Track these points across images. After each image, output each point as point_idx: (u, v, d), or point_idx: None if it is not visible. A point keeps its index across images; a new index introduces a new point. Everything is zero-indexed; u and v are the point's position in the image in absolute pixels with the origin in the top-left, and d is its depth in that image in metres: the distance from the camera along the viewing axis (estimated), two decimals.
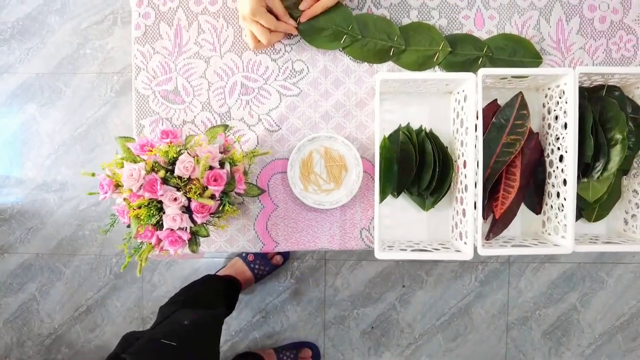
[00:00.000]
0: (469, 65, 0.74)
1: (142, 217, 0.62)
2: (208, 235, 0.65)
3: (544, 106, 0.74)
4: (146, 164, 0.62)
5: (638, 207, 0.71)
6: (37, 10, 1.51)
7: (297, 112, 0.76)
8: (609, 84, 0.71)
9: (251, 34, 0.72)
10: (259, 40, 0.72)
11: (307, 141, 0.73)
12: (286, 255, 1.46)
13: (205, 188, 0.63)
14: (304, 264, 1.50)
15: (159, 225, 0.64)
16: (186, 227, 0.63)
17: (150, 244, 0.64)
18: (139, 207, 0.62)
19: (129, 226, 0.65)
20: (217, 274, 1.41)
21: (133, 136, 0.78)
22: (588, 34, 0.75)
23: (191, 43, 0.77)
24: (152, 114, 0.78)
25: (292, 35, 0.76)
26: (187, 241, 0.64)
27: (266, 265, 1.43)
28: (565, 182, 0.66)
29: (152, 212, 0.62)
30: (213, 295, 1.19)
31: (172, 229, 0.62)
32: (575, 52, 0.75)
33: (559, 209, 0.68)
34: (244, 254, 1.42)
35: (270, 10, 0.70)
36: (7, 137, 1.51)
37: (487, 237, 0.73)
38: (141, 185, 0.62)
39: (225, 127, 0.69)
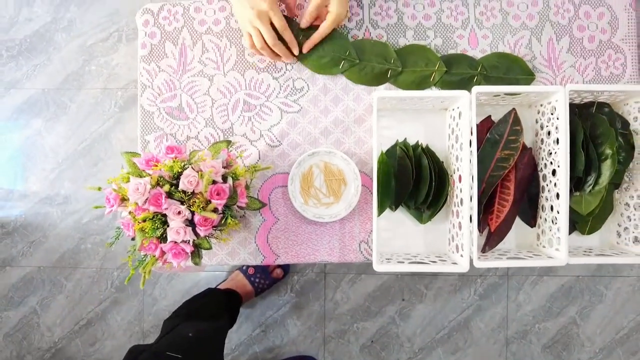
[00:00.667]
0: (465, 84, 0.77)
1: (146, 230, 0.64)
2: (210, 248, 0.67)
3: (536, 122, 0.76)
4: (151, 178, 0.64)
5: (630, 220, 0.72)
6: (44, 28, 1.56)
7: (298, 128, 0.79)
8: (598, 100, 0.74)
9: (250, 36, 0.75)
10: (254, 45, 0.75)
11: (307, 156, 0.75)
12: (286, 269, 1.47)
13: (208, 202, 0.64)
14: (304, 278, 1.51)
15: (162, 238, 0.66)
16: (189, 240, 0.65)
17: (154, 256, 0.65)
18: (144, 221, 0.64)
19: (133, 239, 0.67)
20: (218, 287, 1.41)
21: (138, 151, 0.80)
22: (578, 52, 0.78)
23: (195, 62, 0.80)
24: (157, 129, 0.80)
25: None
26: (190, 254, 0.66)
27: (266, 279, 1.43)
28: (558, 195, 0.68)
29: (156, 225, 0.63)
30: (215, 308, 1.20)
31: (175, 242, 0.64)
32: (566, 70, 0.78)
33: (552, 222, 0.70)
34: (244, 268, 1.43)
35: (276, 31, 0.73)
36: (13, 151, 1.54)
37: (483, 250, 0.74)
38: (146, 199, 0.64)
39: (228, 142, 0.71)
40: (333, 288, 1.50)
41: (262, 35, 0.72)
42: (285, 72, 0.80)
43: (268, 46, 0.73)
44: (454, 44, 0.79)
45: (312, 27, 0.76)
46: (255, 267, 1.42)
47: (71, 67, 1.55)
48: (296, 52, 0.76)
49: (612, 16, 0.78)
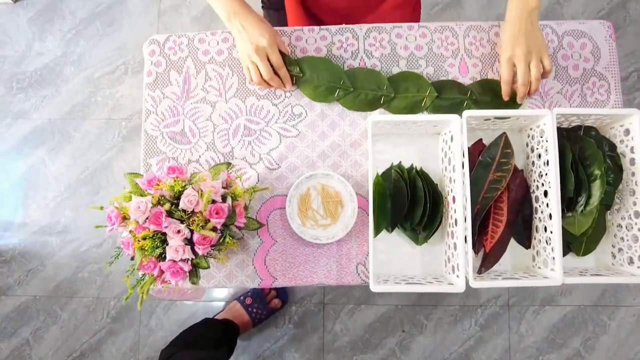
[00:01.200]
0: (455, 108, 0.80)
1: (146, 249, 0.65)
2: (208, 267, 0.68)
3: (527, 145, 0.79)
4: (153, 197, 0.65)
5: (623, 241, 0.73)
6: (54, 62, 1.62)
7: (296, 151, 0.81)
8: (585, 124, 0.77)
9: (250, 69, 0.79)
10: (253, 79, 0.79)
11: (305, 178, 0.77)
12: (284, 299, 1.45)
13: (207, 221, 0.66)
14: (302, 309, 1.49)
15: (161, 258, 0.66)
16: (188, 259, 0.66)
17: (153, 275, 0.66)
18: (144, 239, 0.65)
19: (132, 259, 0.68)
20: (215, 317, 1.40)
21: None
22: (564, 79, 0.82)
23: (198, 89, 0.84)
24: (159, 153, 0.82)
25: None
26: (188, 273, 0.66)
27: (264, 309, 1.42)
28: (551, 216, 0.69)
29: (156, 243, 0.64)
30: (212, 338, 1.18)
31: (174, 260, 0.65)
32: (553, 96, 0.82)
33: (546, 242, 0.71)
34: (241, 298, 1.42)
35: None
36: (16, 179, 1.56)
37: (479, 271, 0.75)
38: (147, 218, 0.65)
39: (228, 164, 0.74)
40: (332, 319, 1.48)
41: (259, 70, 0.77)
42: (284, 99, 0.83)
43: (264, 80, 0.78)
44: (445, 72, 0.83)
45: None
46: (252, 297, 1.41)
47: (77, 98, 1.60)
48: (289, 87, 0.81)
49: (594, 46, 0.83)
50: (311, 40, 0.85)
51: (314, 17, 0.98)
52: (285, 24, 0.97)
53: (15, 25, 1.65)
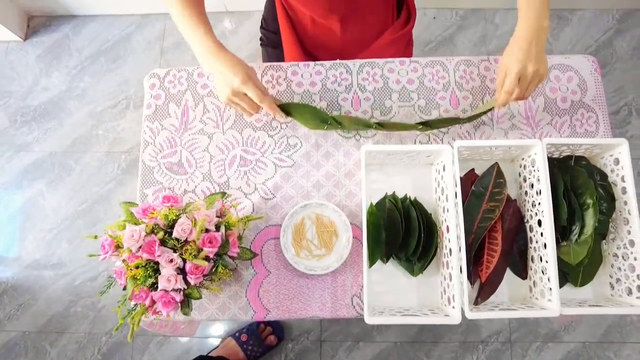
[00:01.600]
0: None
1: (138, 278, 0.64)
2: (200, 297, 0.67)
3: (519, 175, 0.80)
4: (147, 226, 0.66)
5: (621, 271, 0.73)
6: (59, 96, 1.66)
7: (291, 181, 0.82)
8: (576, 154, 0.78)
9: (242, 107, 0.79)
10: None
11: (299, 208, 0.78)
12: (280, 336, 1.42)
13: (200, 250, 0.66)
14: (298, 346, 1.45)
15: (153, 288, 0.66)
16: (180, 289, 0.65)
17: (144, 305, 0.65)
18: (137, 268, 0.65)
19: (125, 288, 0.67)
20: (210, 354, 1.36)
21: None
22: (553, 111, 0.84)
23: (196, 121, 0.86)
24: (156, 183, 0.83)
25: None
26: (179, 303, 0.65)
27: (260, 346, 1.38)
28: (545, 245, 0.69)
29: (148, 272, 0.64)
30: None
31: (166, 290, 0.64)
32: (543, 127, 0.83)
33: (542, 272, 0.70)
34: (236, 334, 1.38)
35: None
36: (13, 211, 1.56)
37: (476, 303, 0.74)
38: (140, 246, 0.65)
39: (223, 194, 0.74)
40: (329, 357, 1.43)
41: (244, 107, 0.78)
42: (280, 130, 0.85)
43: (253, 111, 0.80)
44: (436, 105, 0.85)
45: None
46: (248, 333, 1.37)
47: (79, 132, 1.63)
48: (279, 118, 0.83)
49: (580, 79, 0.85)
50: (306, 75, 0.87)
51: (309, 54, 1.01)
52: (282, 61, 1.01)
53: (24, 62, 1.71)
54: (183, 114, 0.86)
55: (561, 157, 0.80)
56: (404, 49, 1.03)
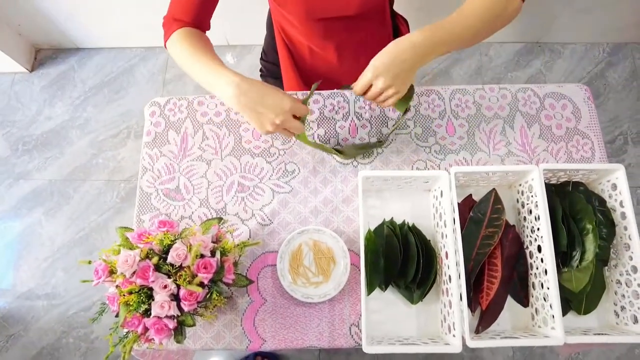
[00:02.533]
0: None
1: (131, 304, 0.63)
2: (194, 325, 0.65)
3: (517, 201, 0.79)
4: (141, 251, 0.65)
5: (625, 298, 0.71)
6: (61, 125, 1.69)
7: (289, 207, 0.82)
8: (573, 180, 0.78)
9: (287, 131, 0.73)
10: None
11: (296, 234, 0.77)
12: None
13: (194, 276, 0.64)
14: None
15: (146, 315, 0.64)
16: (173, 316, 0.63)
17: (136, 333, 0.63)
18: (130, 293, 0.63)
19: (117, 315, 0.65)
20: None
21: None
22: (549, 138, 0.85)
23: (195, 148, 0.87)
24: (153, 209, 0.83)
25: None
26: (173, 330, 0.64)
27: None
28: (546, 271, 0.68)
29: (141, 298, 0.63)
30: None
31: (159, 317, 0.62)
32: (540, 153, 0.84)
33: (544, 299, 0.69)
34: None
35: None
36: (10, 239, 1.55)
37: (477, 331, 0.72)
38: (134, 272, 0.64)
39: (220, 219, 0.74)
40: None
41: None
42: (278, 157, 0.85)
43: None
44: (432, 132, 0.86)
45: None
46: None
47: (80, 160, 1.64)
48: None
49: (574, 107, 0.87)
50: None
51: (308, 84, 1.03)
52: (280, 76, 1.03)
53: (29, 93, 1.75)
54: (182, 141, 0.87)
55: (559, 182, 0.80)
56: None
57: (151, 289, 0.65)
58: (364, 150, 0.83)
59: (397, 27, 1.02)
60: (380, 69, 0.67)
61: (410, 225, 0.78)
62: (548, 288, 0.68)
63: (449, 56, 1.75)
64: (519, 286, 0.75)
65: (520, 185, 0.78)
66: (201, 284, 0.65)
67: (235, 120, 0.89)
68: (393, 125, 0.82)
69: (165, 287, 0.64)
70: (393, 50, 0.67)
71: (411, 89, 0.74)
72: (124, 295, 0.64)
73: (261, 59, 1.12)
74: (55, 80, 1.76)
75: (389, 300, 0.76)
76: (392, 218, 0.80)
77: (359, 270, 0.78)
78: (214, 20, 0.80)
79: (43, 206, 1.59)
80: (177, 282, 0.64)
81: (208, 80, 0.70)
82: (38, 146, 1.66)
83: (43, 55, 1.80)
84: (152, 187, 0.85)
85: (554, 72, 1.70)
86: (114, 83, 1.75)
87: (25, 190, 1.61)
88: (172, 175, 0.85)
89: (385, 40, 0.98)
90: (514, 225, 0.77)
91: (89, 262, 0.68)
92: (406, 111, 0.77)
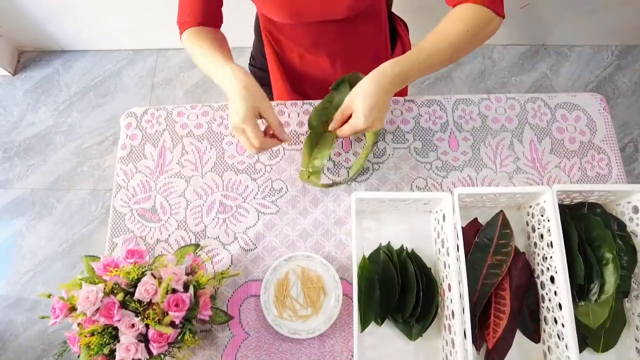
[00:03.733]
0: None
1: (93, 347, 0.55)
2: None
3: (527, 224, 0.72)
4: (106, 285, 0.58)
5: None
6: (44, 132, 1.61)
7: (275, 230, 0.74)
8: (589, 201, 0.70)
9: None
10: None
11: (283, 260, 0.70)
12: None
13: (165, 314, 0.57)
14: None
15: (111, 356, 0.57)
16: (141, 359, 0.56)
17: None
18: (92, 334, 0.56)
19: (79, 356, 0.58)
20: None
21: (106, 255, 0.74)
22: (561, 153, 0.77)
23: (174, 163, 0.79)
24: (127, 232, 0.76)
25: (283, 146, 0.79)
26: None
27: None
28: (560, 306, 0.61)
29: (105, 340, 0.55)
30: None
31: None
32: (551, 170, 0.76)
33: (559, 337, 0.62)
34: None
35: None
36: None
37: None
38: (97, 309, 0.57)
39: (197, 246, 0.66)
40: None
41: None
42: (264, 173, 0.78)
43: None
44: (433, 147, 0.78)
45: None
46: None
47: (64, 168, 1.57)
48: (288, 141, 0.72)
49: (588, 119, 0.79)
50: (294, 114, 0.82)
51: (299, 92, 0.96)
52: (271, 99, 0.95)
53: (12, 97, 1.67)
54: (159, 156, 0.80)
55: (572, 203, 0.72)
56: None
57: (116, 329, 0.57)
58: (357, 173, 0.76)
59: (395, 29, 0.94)
60: (370, 117, 0.65)
61: (409, 250, 0.71)
62: (563, 325, 0.60)
63: None
64: (528, 319, 0.68)
65: (530, 207, 0.71)
66: (172, 324, 0.58)
67: (218, 132, 0.81)
68: (362, 156, 0.76)
69: (133, 326, 0.57)
70: (376, 92, 0.64)
71: None
72: (85, 336, 0.56)
73: (249, 64, 1.05)
74: (39, 84, 1.69)
75: (385, 335, 0.69)
76: (389, 242, 0.72)
77: (352, 301, 0.70)
78: None
79: (24, 216, 1.51)
80: (146, 321, 0.57)
81: (217, 82, 0.71)
82: (20, 153, 1.59)
83: (26, 57, 1.73)
84: (126, 206, 0.77)
85: (560, 76, 1.62)
86: (101, 87, 1.68)
87: (6, 199, 1.53)
88: (148, 193, 0.78)
89: (382, 44, 0.90)
90: (523, 253, 0.70)
91: (49, 296, 0.61)
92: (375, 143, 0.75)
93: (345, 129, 0.68)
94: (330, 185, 0.75)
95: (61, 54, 1.72)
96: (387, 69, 0.65)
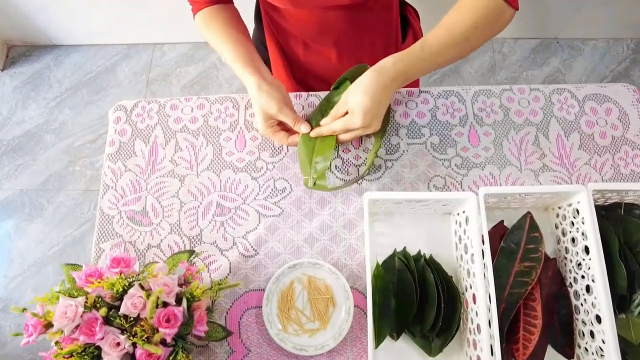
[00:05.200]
0: None
1: None
2: None
3: (556, 227, 0.65)
4: (87, 298, 0.51)
5: None
6: (34, 130, 1.54)
7: (278, 234, 0.67)
8: (625, 201, 0.64)
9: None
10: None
11: (287, 268, 0.63)
12: None
13: (155, 330, 0.50)
14: None
15: None
16: None
17: None
18: (71, 355, 0.50)
19: None
20: None
21: (91, 262, 0.68)
22: (591, 149, 0.71)
23: (166, 161, 0.72)
24: (115, 236, 0.69)
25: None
26: None
27: None
28: (598, 318, 0.54)
29: None
30: None
31: None
32: (580, 167, 0.70)
33: (597, 353, 0.55)
34: None
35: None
36: None
37: None
38: (77, 326, 0.50)
39: (191, 253, 0.59)
40: None
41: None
42: (266, 172, 0.71)
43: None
44: (452, 142, 0.71)
45: None
46: None
47: (55, 168, 1.50)
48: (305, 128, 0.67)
49: (620, 112, 0.72)
50: (298, 107, 0.75)
51: (302, 84, 0.89)
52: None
53: (0, 93, 1.60)
54: (151, 153, 0.73)
55: (606, 204, 0.66)
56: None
57: (99, 348, 0.50)
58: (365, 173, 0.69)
59: (406, 17, 0.87)
60: (367, 116, 0.60)
61: (428, 257, 0.64)
62: (603, 341, 0.53)
63: None
64: (559, 332, 0.61)
65: (560, 208, 0.64)
66: (163, 342, 0.51)
67: (215, 127, 0.74)
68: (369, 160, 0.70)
69: (118, 345, 0.50)
70: (375, 88, 0.60)
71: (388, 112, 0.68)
72: (63, 357, 0.50)
73: None
74: (29, 80, 1.62)
75: (402, 351, 0.62)
76: (404, 248, 0.65)
77: (365, 313, 0.63)
78: None
79: (13, 218, 1.44)
80: (133, 339, 0.50)
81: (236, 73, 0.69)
82: (8, 152, 1.52)
83: (16, 52, 1.66)
84: (114, 208, 0.70)
85: (573, 70, 1.55)
86: (94, 83, 1.61)
87: None
88: (138, 194, 0.71)
89: (392, 34, 0.84)
90: (554, 259, 0.63)
91: (23, 310, 0.54)
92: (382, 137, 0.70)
93: (337, 126, 0.64)
94: (342, 187, 0.68)
95: (52, 49, 1.65)
96: (387, 64, 0.60)
